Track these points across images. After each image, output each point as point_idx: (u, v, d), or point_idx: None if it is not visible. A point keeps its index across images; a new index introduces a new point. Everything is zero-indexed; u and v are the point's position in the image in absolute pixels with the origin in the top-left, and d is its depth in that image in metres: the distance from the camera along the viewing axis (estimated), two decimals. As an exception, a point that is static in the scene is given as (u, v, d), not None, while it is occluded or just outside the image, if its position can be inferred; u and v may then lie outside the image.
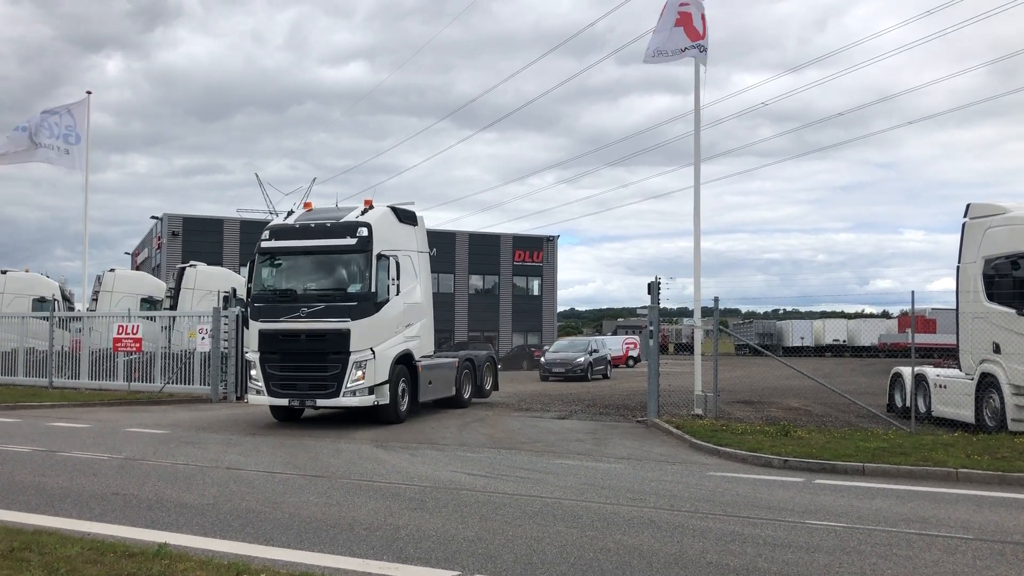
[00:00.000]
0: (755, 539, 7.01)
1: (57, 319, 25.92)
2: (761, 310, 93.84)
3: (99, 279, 31.19)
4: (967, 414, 14.46)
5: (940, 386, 15.79)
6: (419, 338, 17.16)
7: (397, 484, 9.75)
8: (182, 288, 28.29)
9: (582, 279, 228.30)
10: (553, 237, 62.36)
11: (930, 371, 16.73)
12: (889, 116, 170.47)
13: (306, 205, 17.36)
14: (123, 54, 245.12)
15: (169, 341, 24.42)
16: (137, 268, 56.05)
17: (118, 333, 22.68)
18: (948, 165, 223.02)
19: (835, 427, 14.90)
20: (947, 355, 27.11)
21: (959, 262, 15.01)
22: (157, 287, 32.10)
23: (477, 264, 59.48)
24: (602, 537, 7.05)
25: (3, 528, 6.96)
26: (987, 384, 13.96)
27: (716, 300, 16.48)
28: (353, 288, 15.36)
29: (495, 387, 21.81)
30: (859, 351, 64.73)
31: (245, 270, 18.73)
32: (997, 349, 13.65)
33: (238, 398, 20.87)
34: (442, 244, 57.29)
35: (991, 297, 13.92)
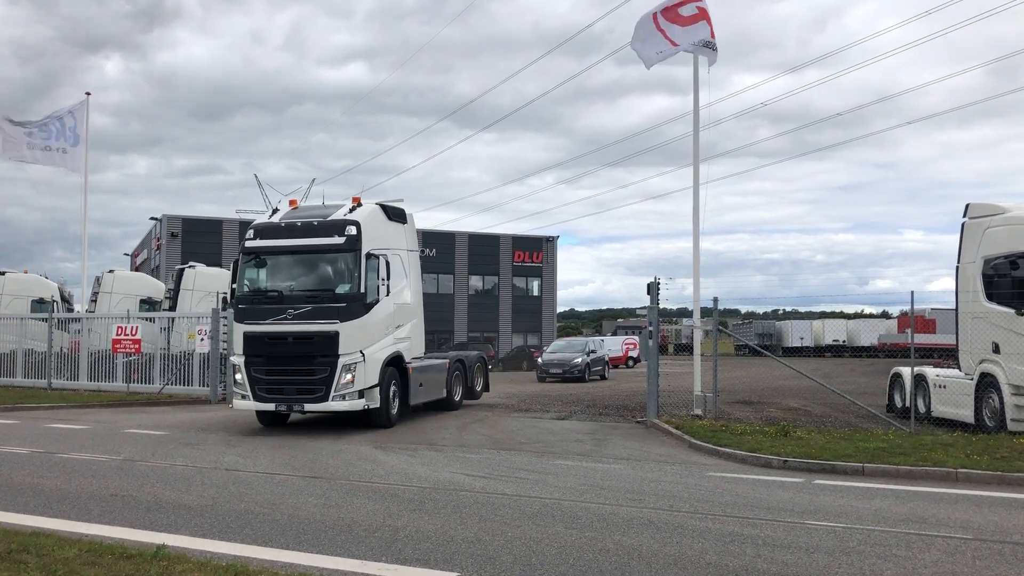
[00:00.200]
0: (754, 539, 7.00)
1: (56, 320, 25.91)
2: (760, 310, 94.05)
3: (98, 280, 31.16)
4: (967, 414, 14.46)
5: (940, 386, 15.78)
6: (409, 339, 16.71)
7: (396, 485, 9.74)
8: (181, 289, 28.26)
9: (582, 280, 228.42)
10: (552, 238, 62.40)
11: (930, 371, 16.72)
12: (888, 116, 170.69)
13: (291, 203, 16.73)
14: (122, 55, 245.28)
15: (168, 342, 24.41)
16: (136, 269, 56.03)
17: (117, 334, 22.66)
18: (947, 165, 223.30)
19: (835, 427, 14.90)
20: (947, 355, 27.10)
21: (958, 262, 15.00)
22: (156, 288, 32.07)
23: (477, 265, 59.49)
24: (601, 538, 7.04)
25: (1, 530, 6.95)
26: (986, 384, 13.96)
27: (715, 300, 16.48)
28: (341, 288, 14.92)
29: (486, 388, 21.42)
30: (859, 351, 64.73)
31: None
32: (996, 349, 13.64)
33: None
34: (441, 245, 57.43)
35: (990, 297, 13.92)
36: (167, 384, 22.92)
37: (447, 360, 19.25)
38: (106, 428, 15.78)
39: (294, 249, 15.28)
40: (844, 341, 69.92)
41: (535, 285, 61.80)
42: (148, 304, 29.82)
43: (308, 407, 15.01)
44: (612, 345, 51.46)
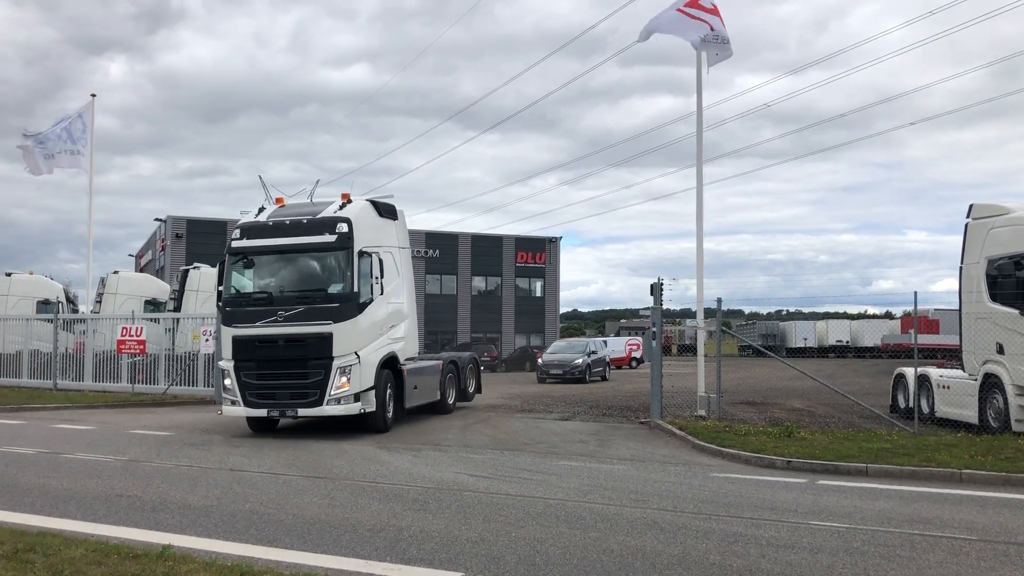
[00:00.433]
0: (758, 540, 7.01)
1: (61, 321, 25.99)
2: (764, 311, 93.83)
3: (103, 281, 31.23)
4: (970, 415, 14.44)
5: (943, 387, 15.76)
6: (404, 340, 16.24)
7: (400, 485, 9.77)
8: (186, 290, 28.32)
9: (585, 280, 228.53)
10: (556, 238, 62.37)
11: (933, 372, 16.70)
12: (891, 117, 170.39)
13: (278, 200, 16.02)
14: (127, 57, 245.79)
15: (173, 343, 24.50)
16: (141, 270, 56.10)
17: (122, 335, 22.73)
18: (950, 166, 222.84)
19: (838, 428, 14.89)
20: (950, 356, 27.02)
21: (962, 263, 14.98)
22: (161, 289, 32.16)
23: (480, 265, 59.47)
24: (605, 538, 7.05)
25: (8, 529, 6.98)
26: (990, 385, 13.93)
27: (719, 301, 16.47)
28: (334, 288, 14.42)
29: (478, 390, 20.74)
30: (862, 352, 64.60)
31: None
32: (1000, 350, 13.63)
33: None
34: (445, 246, 57.49)
35: (994, 298, 13.90)
36: (172, 385, 22.98)
37: (440, 361, 18.69)
38: (111, 429, 15.82)
39: (283, 248, 14.77)
40: (847, 342, 69.83)
41: (538, 286, 61.77)
42: (153, 305, 29.90)
43: (302, 412, 14.47)
44: (615, 346, 51.44)
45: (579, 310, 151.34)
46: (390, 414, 15.43)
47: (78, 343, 26.28)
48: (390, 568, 6.13)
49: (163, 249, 52.46)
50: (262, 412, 14.59)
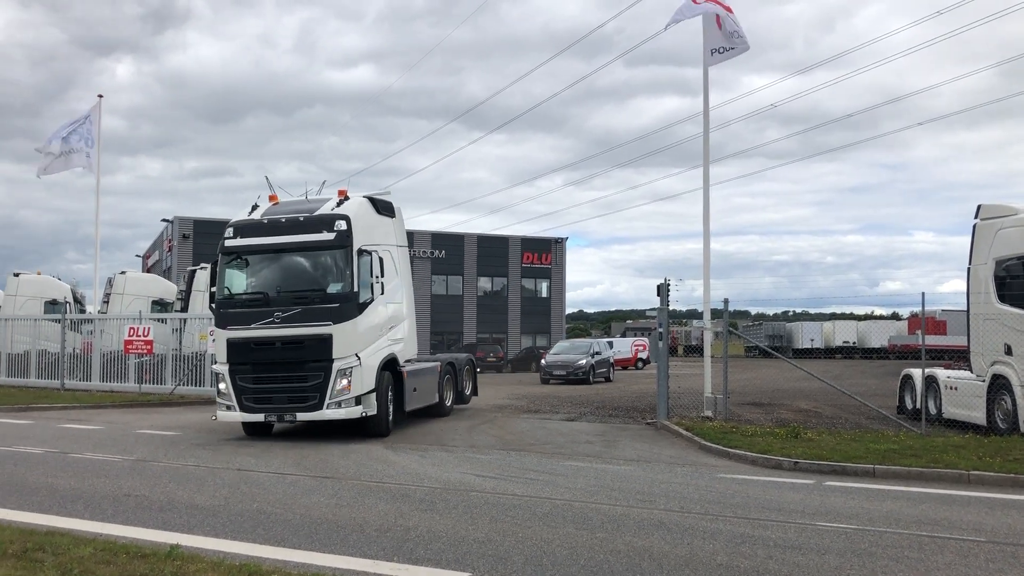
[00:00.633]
0: (765, 541, 7.00)
1: (69, 321, 26.11)
2: (771, 312, 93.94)
3: (110, 281, 31.38)
4: (978, 416, 14.39)
5: (951, 388, 15.72)
6: (403, 341, 15.80)
7: (407, 485, 9.78)
8: (193, 290, 28.41)
9: (591, 281, 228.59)
10: (562, 239, 62.34)
11: (941, 373, 16.65)
12: (898, 118, 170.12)
13: (271, 198, 15.42)
14: (133, 57, 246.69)
15: (180, 343, 24.59)
16: (148, 271, 56.31)
17: (129, 335, 22.78)
18: (957, 166, 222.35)
19: (845, 429, 14.86)
20: (958, 357, 26.97)
21: (970, 263, 14.94)
22: (168, 289, 32.27)
23: (486, 266, 59.48)
24: (612, 539, 7.05)
25: (17, 529, 7.02)
26: (998, 386, 13.89)
27: (726, 302, 16.45)
28: (333, 288, 13.96)
29: (475, 392, 20.43)
30: (869, 353, 64.44)
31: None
32: (1009, 351, 13.58)
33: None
34: (451, 246, 57.51)
35: (1002, 298, 13.86)
36: (179, 385, 23.05)
37: (438, 363, 18.31)
38: (119, 428, 15.87)
39: (279, 247, 14.29)
40: (854, 343, 69.61)
41: (544, 286, 61.73)
42: (160, 305, 30.03)
43: (301, 416, 14.02)
44: (621, 347, 51.40)
45: (585, 311, 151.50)
46: (391, 417, 15.10)
47: (85, 343, 26.39)
48: (397, 568, 6.14)
49: (170, 250, 52.62)
50: (259, 417, 14.16)
